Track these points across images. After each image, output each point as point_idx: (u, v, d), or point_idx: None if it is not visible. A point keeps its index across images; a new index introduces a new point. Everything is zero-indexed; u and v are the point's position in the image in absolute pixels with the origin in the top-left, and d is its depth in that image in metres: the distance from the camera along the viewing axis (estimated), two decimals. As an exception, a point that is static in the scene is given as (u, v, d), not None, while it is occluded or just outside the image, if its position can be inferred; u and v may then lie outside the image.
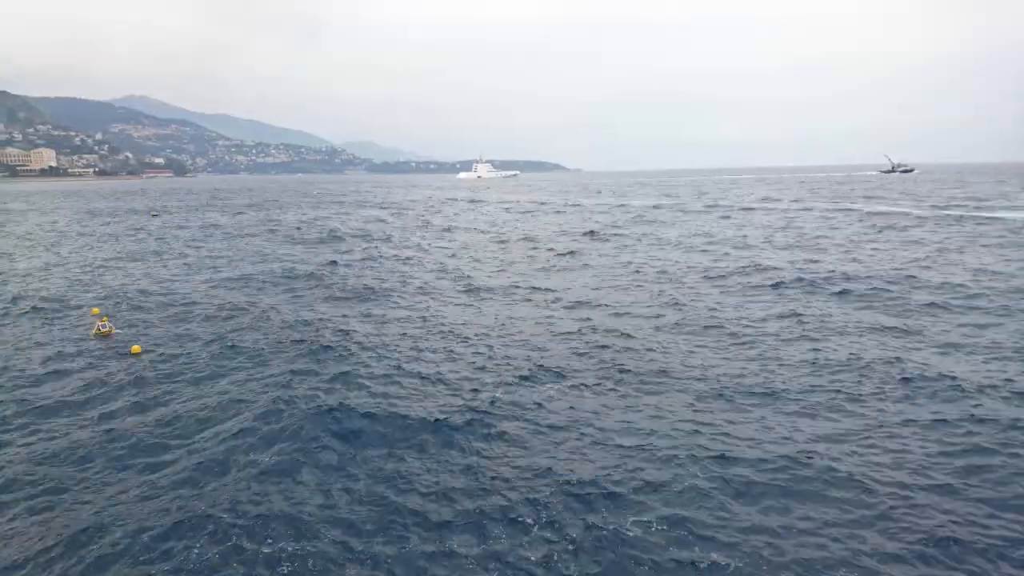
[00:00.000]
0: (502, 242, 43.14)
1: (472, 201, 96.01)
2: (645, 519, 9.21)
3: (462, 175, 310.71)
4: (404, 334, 19.36)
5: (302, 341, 18.21)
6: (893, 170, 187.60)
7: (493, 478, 10.54)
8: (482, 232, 50.18)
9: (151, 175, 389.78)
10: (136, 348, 17.69)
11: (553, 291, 25.45)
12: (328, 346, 17.56)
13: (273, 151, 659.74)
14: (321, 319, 21.12)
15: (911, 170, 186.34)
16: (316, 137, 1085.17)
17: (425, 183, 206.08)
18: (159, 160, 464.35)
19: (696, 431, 12.16)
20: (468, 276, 29.31)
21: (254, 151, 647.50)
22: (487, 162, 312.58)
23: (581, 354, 17.11)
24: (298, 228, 54.02)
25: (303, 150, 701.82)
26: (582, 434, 12.15)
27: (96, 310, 21.94)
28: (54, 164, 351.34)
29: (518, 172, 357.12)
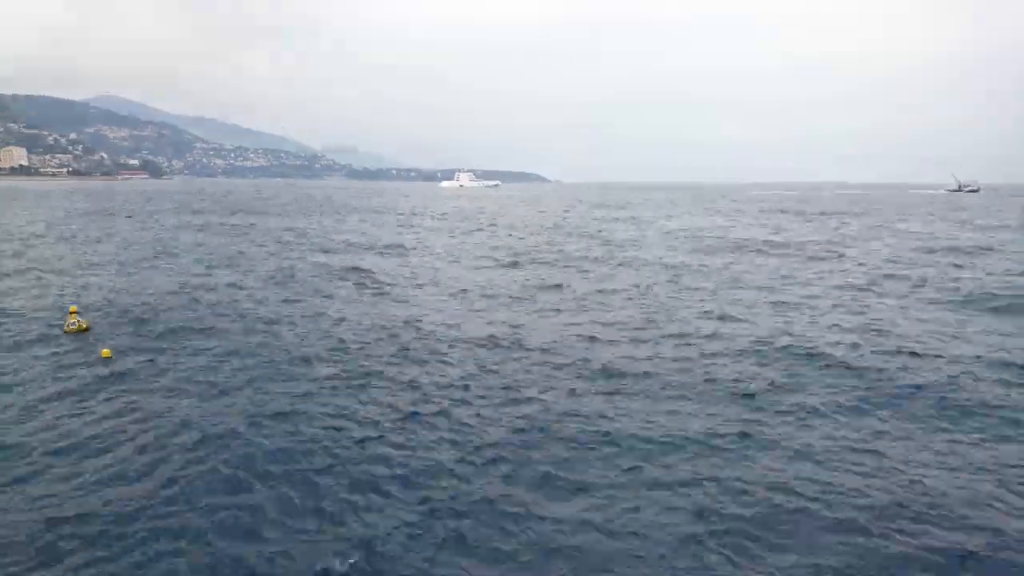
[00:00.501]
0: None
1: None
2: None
3: (444, 184, 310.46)
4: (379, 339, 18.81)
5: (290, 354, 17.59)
6: (959, 189, 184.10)
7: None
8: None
9: (126, 176, 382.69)
10: (106, 352, 17.03)
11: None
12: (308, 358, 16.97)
13: (252, 155, 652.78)
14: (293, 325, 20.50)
15: (977, 190, 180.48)
16: (297, 143, 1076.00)
17: (395, 193, 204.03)
18: (134, 162, 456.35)
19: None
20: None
21: (232, 155, 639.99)
22: (469, 171, 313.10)
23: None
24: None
25: (283, 155, 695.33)
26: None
27: (74, 308, 20.92)
28: (25, 163, 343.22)
29: (499, 182, 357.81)
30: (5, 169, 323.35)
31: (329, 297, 25.39)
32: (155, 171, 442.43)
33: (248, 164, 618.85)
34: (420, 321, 20.87)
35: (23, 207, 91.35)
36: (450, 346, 18.04)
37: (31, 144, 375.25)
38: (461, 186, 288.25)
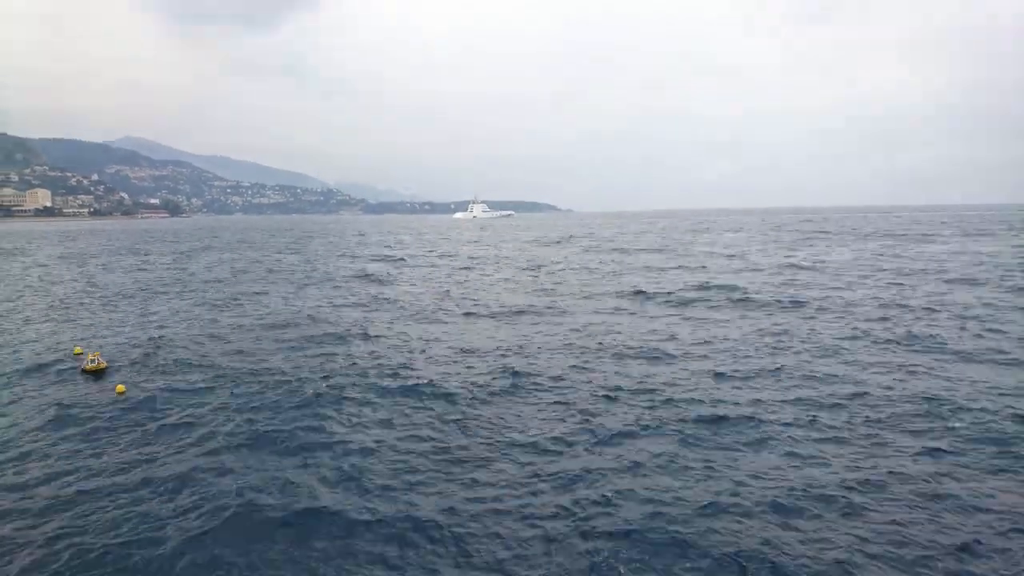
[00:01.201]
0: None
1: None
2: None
3: (458, 215, 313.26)
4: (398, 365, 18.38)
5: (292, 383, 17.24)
6: None
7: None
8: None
9: (146, 215, 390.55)
10: (120, 388, 16.96)
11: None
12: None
13: (269, 192, 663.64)
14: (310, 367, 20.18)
15: None
16: (312, 178, 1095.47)
17: (409, 226, 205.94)
18: (154, 201, 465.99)
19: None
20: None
21: (250, 192, 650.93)
22: (482, 203, 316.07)
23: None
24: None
25: (299, 191, 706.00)
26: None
27: (78, 349, 21.28)
28: (49, 204, 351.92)
29: (513, 212, 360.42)
30: (30, 211, 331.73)
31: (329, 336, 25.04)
32: (174, 210, 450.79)
33: (265, 201, 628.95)
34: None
35: (43, 248, 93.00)
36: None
37: (55, 186, 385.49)
38: (475, 217, 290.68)
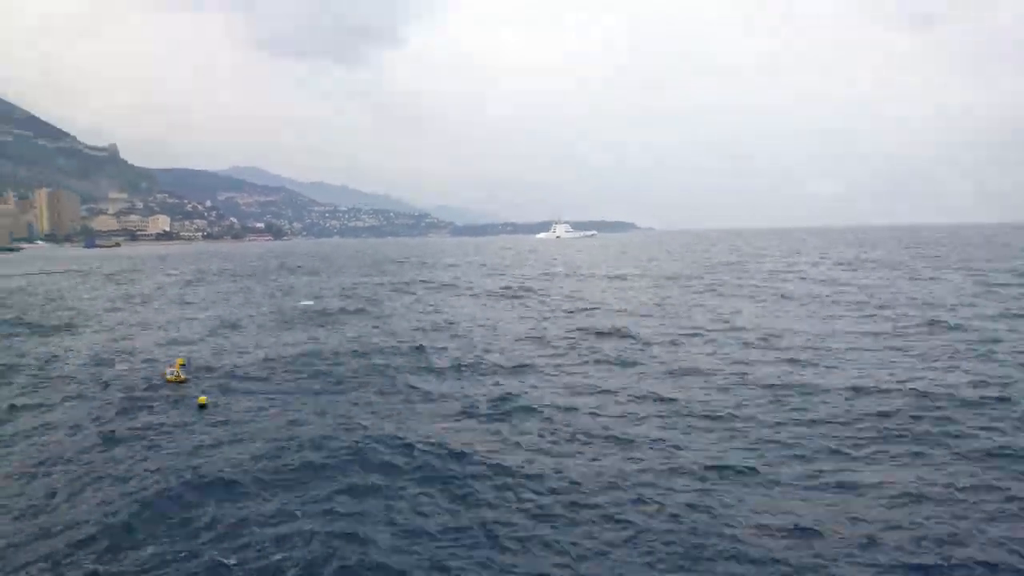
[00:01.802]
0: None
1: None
2: None
3: (540, 236, 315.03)
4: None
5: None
6: None
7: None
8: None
9: (252, 239, 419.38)
10: (203, 399, 17.50)
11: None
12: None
13: (364, 216, 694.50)
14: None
15: None
16: (404, 202, 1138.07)
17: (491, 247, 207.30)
18: (260, 225, 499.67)
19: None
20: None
21: (346, 216, 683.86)
22: (565, 223, 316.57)
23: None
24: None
25: (391, 214, 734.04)
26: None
27: (181, 360, 21.75)
28: (168, 229, 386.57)
29: (595, 232, 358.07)
30: (151, 234, 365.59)
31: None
32: (277, 233, 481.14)
33: (360, 224, 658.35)
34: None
35: (161, 268, 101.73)
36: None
37: (173, 212, 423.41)
38: (557, 237, 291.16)
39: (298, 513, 10.41)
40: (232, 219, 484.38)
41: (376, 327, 30.22)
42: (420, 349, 23.80)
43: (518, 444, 13.62)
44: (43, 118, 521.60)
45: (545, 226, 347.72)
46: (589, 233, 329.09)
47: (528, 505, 10.61)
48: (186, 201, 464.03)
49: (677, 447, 13.16)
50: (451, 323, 31.01)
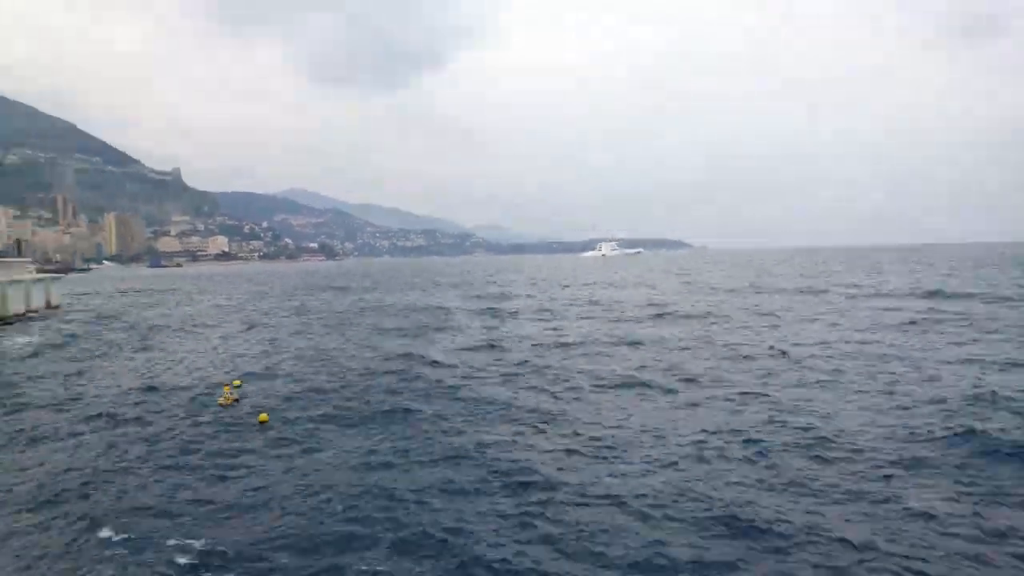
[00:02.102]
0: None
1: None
2: None
3: (586, 254, 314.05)
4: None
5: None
6: None
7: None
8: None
9: (306, 259, 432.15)
10: (264, 416, 17.65)
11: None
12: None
13: (412, 236, 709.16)
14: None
15: None
16: (449, 222, 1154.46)
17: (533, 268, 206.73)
18: (313, 245, 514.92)
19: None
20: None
21: (396, 236, 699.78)
22: (611, 241, 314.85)
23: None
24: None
25: (438, 234, 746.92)
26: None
27: (237, 382, 22.23)
28: (226, 250, 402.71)
29: (642, 250, 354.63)
30: (211, 255, 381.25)
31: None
32: (330, 253, 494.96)
33: (409, 244, 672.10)
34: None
35: (218, 287, 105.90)
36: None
37: (232, 233, 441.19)
38: (603, 256, 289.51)
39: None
40: (287, 240, 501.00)
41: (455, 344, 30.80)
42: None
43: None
44: (114, 145, 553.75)
45: (591, 244, 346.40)
46: (635, 251, 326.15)
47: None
48: (244, 223, 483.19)
49: None
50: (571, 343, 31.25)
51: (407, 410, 18.01)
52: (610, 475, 12.60)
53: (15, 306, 49.93)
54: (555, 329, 34.79)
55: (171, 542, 10.23)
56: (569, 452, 14.05)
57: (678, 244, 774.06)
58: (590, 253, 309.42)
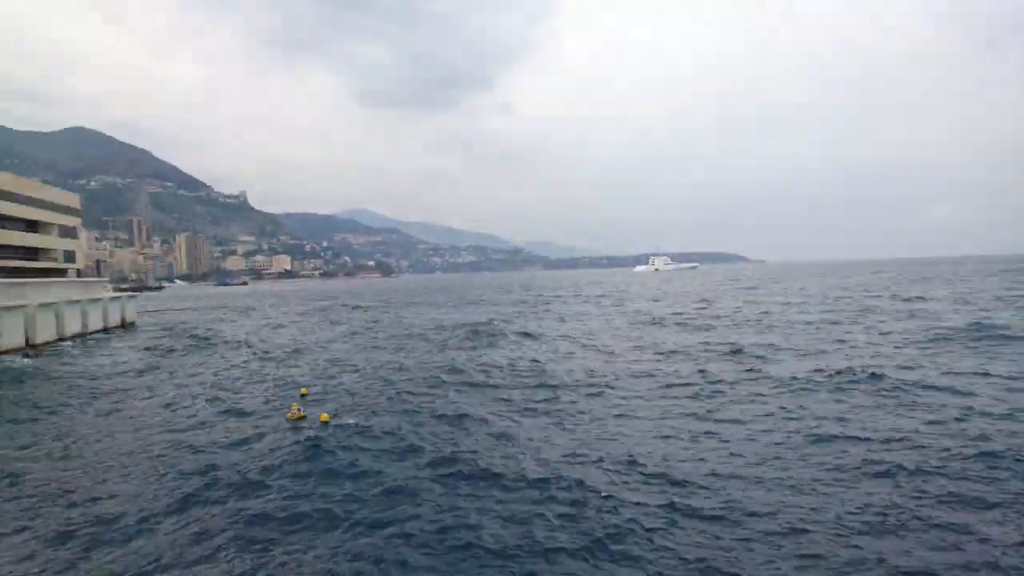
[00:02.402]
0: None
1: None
2: None
3: (639, 268, 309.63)
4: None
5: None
6: None
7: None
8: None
9: (364, 276, 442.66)
10: (325, 416, 18.33)
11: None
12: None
13: (463, 252, 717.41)
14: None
15: None
16: (499, 238, 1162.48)
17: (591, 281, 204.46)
18: (371, 263, 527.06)
19: None
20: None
21: (448, 253, 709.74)
22: (664, 255, 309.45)
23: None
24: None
25: (489, 250, 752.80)
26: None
27: (304, 391, 22.94)
28: (288, 268, 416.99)
29: (697, 264, 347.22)
30: (274, 273, 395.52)
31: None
32: (386, 270, 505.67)
33: (461, 260, 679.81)
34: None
35: (281, 303, 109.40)
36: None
37: (294, 252, 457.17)
38: (656, 270, 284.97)
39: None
40: (346, 258, 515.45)
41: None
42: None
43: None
44: (185, 170, 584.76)
45: (643, 259, 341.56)
46: (690, 265, 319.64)
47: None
48: (305, 242, 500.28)
49: None
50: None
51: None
52: None
53: (94, 323, 52.79)
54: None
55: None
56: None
57: (736, 258, 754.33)
58: (643, 268, 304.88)
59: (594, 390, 22.49)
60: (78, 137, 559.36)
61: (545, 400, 21.14)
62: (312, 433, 17.10)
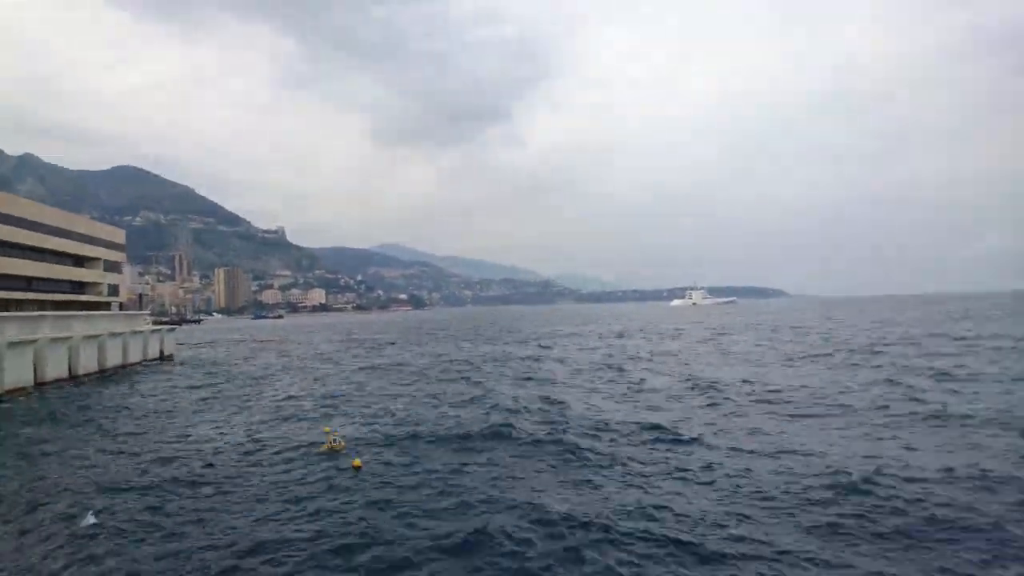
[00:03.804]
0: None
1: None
2: None
3: (676, 303, 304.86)
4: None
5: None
6: None
7: None
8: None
9: (395, 309, 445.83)
10: (357, 462, 17.55)
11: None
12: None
13: (495, 286, 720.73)
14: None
15: None
16: (529, 271, 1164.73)
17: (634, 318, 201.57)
18: (403, 296, 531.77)
19: None
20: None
21: (478, 286, 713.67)
22: (701, 289, 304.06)
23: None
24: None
25: (519, 283, 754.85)
26: None
27: (327, 428, 22.68)
28: (323, 301, 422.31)
29: (736, 299, 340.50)
30: (308, 307, 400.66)
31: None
32: (418, 303, 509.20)
33: (491, 294, 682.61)
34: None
35: (317, 338, 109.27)
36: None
37: (328, 286, 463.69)
38: (694, 304, 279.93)
39: None
40: (379, 291, 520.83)
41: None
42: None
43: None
44: (227, 207, 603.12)
45: (679, 292, 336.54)
46: (728, 300, 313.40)
47: None
48: (339, 276, 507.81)
49: None
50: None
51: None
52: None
53: (134, 355, 52.36)
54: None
55: None
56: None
57: (775, 292, 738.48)
58: (679, 301, 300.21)
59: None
60: (126, 175, 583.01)
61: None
62: (343, 481, 16.34)
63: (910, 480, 14.69)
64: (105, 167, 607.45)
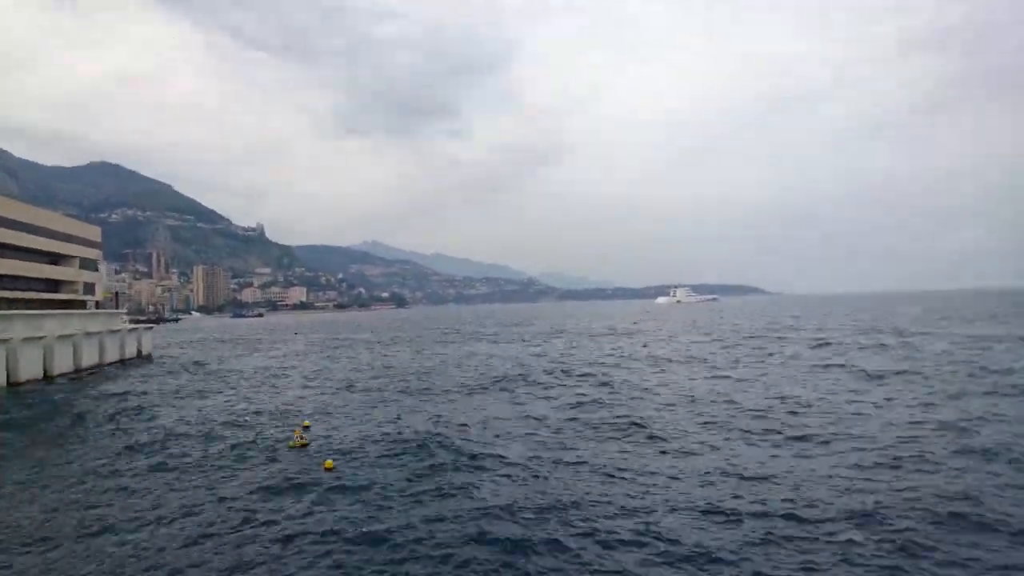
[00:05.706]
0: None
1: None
2: None
3: (660, 300, 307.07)
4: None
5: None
6: None
7: None
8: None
9: (377, 307, 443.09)
10: (329, 463, 17.59)
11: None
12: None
13: (477, 284, 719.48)
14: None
15: None
16: (512, 269, 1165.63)
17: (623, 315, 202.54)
18: (385, 295, 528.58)
19: None
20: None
21: (461, 284, 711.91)
22: (685, 287, 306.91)
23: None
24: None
25: (502, 282, 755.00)
26: None
27: (306, 423, 22.93)
28: (304, 299, 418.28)
29: (717, 296, 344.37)
30: (289, 305, 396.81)
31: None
32: (400, 301, 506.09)
33: (474, 292, 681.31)
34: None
35: (297, 336, 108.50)
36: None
37: (309, 284, 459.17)
38: (678, 301, 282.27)
39: None
40: (360, 289, 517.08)
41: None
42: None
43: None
44: (206, 204, 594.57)
45: (659, 291, 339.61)
46: (711, 297, 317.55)
47: None
48: (320, 274, 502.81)
49: None
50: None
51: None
52: None
53: (111, 354, 51.63)
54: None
55: None
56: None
57: (753, 290, 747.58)
58: (664, 299, 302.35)
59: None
60: (102, 172, 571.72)
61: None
62: (312, 479, 16.50)
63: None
64: (81, 163, 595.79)
